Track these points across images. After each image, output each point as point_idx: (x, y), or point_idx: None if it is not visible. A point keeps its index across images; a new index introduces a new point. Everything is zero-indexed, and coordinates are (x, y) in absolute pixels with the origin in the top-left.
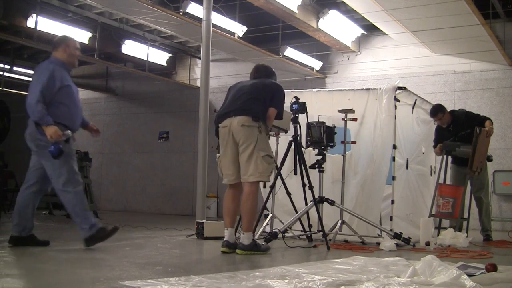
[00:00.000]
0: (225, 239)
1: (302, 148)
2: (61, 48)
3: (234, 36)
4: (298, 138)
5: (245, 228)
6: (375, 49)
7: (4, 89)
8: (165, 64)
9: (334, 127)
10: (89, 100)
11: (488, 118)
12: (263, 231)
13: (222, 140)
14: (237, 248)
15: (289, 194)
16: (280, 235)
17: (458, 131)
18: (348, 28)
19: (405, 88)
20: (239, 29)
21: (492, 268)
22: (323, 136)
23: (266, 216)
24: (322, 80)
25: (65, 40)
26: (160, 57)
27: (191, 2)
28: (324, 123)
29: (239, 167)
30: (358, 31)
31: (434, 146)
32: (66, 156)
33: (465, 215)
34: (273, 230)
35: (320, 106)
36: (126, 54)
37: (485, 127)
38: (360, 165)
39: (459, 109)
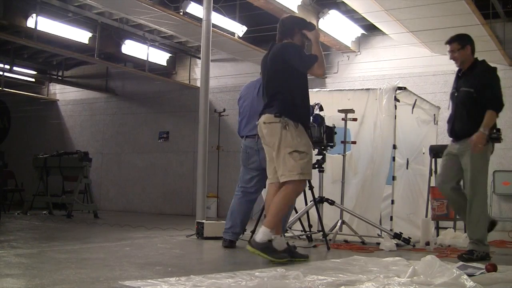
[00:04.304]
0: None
1: None
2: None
3: (234, 36)
4: None
5: (265, 221)
6: (375, 49)
7: (4, 89)
8: (165, 64)
9: (334, 127)
10: (89, 100)
11: (496, 107)
12: None
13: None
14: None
15: None
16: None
17: (461, 85)
18: (348, 28)
19: (405, 88)
20: (239, 29)
21: (492, 268)
22: (323, 136)
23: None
24: (322, 80)
25: None
26: (160, 57)
27: (191, 2)
28: (324, 123)
29: (274, 166)
30: (358, 31)
31: None
32: None
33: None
34: None
35: None
36: (126, 54)
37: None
38: (360, 165)
39: (489, 65)
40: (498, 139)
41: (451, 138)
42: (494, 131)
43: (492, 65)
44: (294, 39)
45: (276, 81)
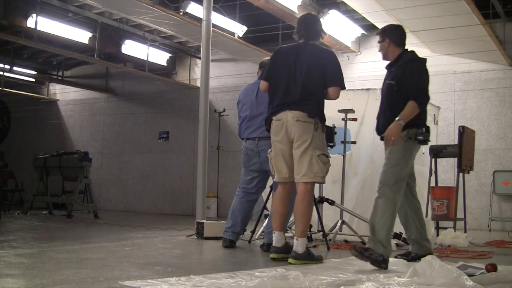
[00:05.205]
0: (273, 244)
1: None
2: None
3: (234, 36)
4: None
5: (298, 232)
6: (375, 49)
7: (4, 89)
8: (165, 64)
9: (334, 127)
10: (89, 100)
11: (418, 98)
12: (263, 231)
13: (274, 134)
14: (289, 257)
15: None
16: None
17: (386, 78)
18: (348, 28)
19: None
20: (239, 29)
21: (492, 268)
22: None
23: (266, 216)
24: None
25: None
26: (160, 57)
27: (191, 2)
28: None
29: (292, 164)
30: (358, 31)
31: None
32: None
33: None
34: None
35: None
36: (126, 54)
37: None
38: (360, 165)
39: (415, 56)
40: (425, 141)
41: (379, 136)
42: (422, 131)
43: (491, 65)
44: (316, 43)
45: (313, 82)
